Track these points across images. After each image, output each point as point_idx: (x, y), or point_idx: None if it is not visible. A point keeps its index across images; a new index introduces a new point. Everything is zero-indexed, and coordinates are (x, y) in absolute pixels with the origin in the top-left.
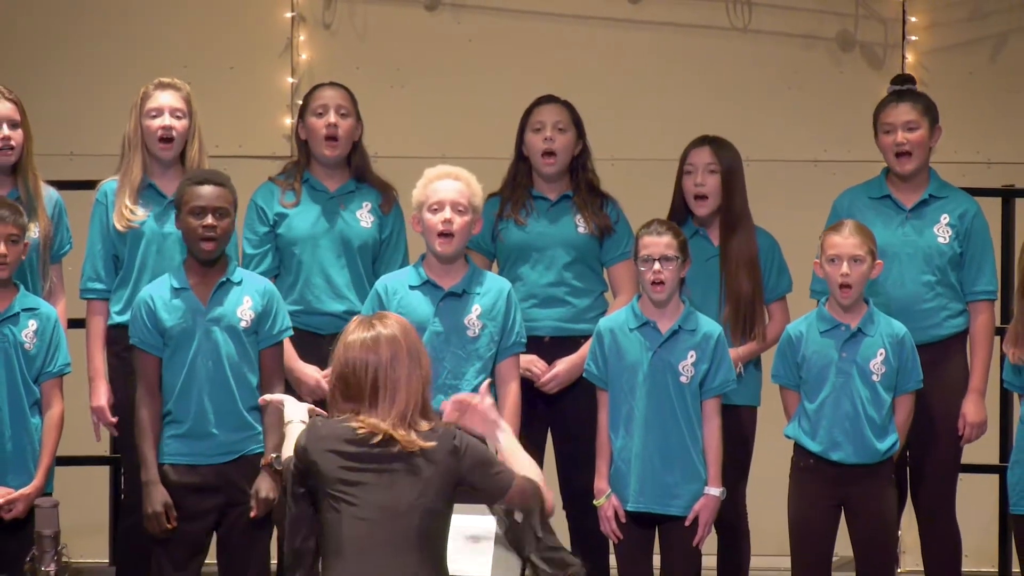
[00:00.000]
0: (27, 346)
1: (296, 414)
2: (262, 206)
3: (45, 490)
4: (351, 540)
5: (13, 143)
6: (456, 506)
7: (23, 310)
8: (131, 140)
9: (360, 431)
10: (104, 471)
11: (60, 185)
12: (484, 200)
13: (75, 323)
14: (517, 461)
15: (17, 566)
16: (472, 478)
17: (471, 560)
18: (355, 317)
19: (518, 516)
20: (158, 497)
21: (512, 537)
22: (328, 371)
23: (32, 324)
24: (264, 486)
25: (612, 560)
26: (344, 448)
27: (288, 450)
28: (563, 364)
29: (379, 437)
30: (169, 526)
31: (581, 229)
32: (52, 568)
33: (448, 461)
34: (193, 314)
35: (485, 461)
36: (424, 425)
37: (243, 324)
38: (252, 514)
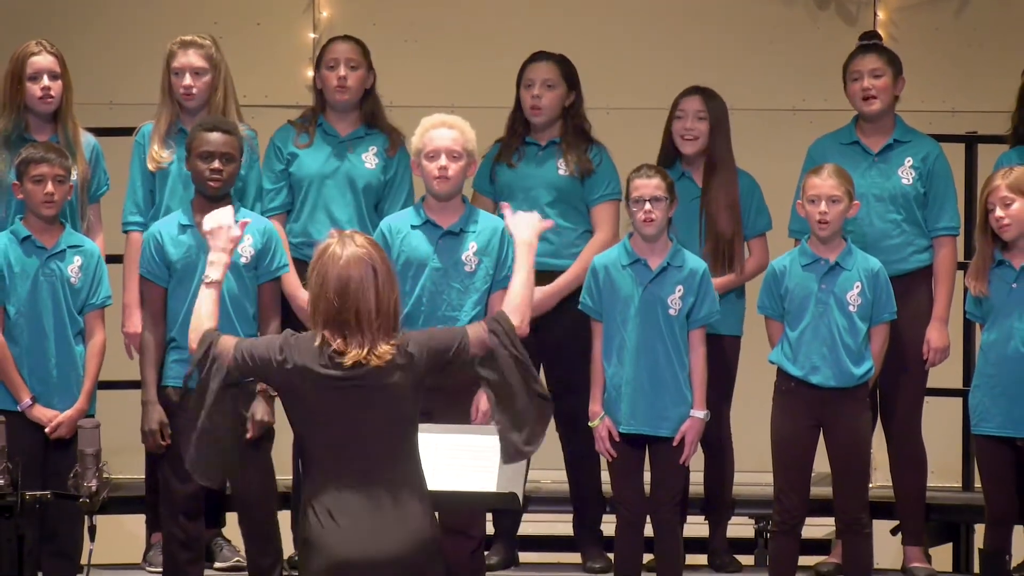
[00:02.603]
0: (72, 280)
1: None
2: (279, 146)
3: (88, 412)
4: (328, 456)
5: (53, 93)
6: (456, 427)
7: (69, 247)
8: (163, 91)
9: (336, 352)
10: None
11: (101, 132)
12: (489, 146)
13: (111, 258)
14: (513, 279)
15: (62, 482)
16: (435, 369)
17: (476, 475)
18: (329, 237)
19: (486, 360)
20: (155, 416)
21: (500, 378)
22: None
23: (77, 260)
24: (259, 410)
25: (605, 476)
26: (319, 367)
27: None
28: (538, 293)
29: (352, 358)
30: (164, 443)
31: (562, 171)
32: (94, 484)
33: (409, 369)
34: (197, 249)
35: (437, 348)
36: (388, 344)
37: (243, 260)
38: (248, 436)
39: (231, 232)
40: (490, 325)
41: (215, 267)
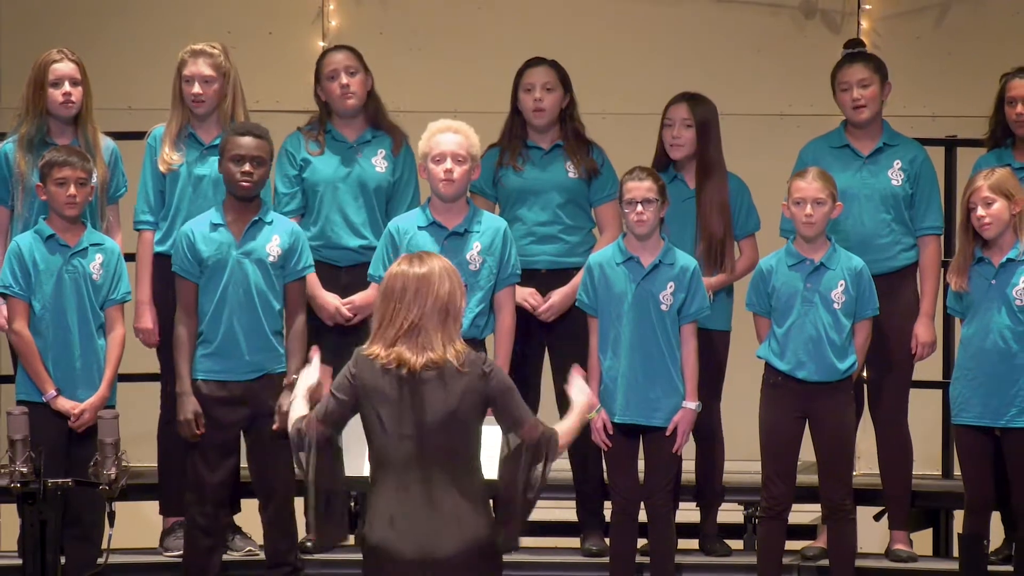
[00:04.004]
0: (94, 277)
1: (300, 388)
2: (292, 152)
3: (109, 402)
4: (396, 456)
5: (74, 98)
6: None
7: (91, 245)
8: (174, 96)
9: (383, 361)
10: (159, 386)
11: (119, 136)
12: (485, 150)
13: (129, 256)
14: (569, 421)
15: (83, 470)
16: (497, 401)
17: None
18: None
19: (525, 457)
20: (189, 406)
21: (507, 468)
22: (348, 300)
23: (98, 257)
24: (286, 401)
25: (603, 465)
26: (386, 371)
27: (292, 415)
28: (556, 295)
29: (393, 363)
30: (198, 432)
31: (572, 174)
32: (113, 471)
33: (478, 383)
34: (228, 247)
35: (511, 389)
36: (453, 351)
37: (271, 259)
38: (274, 427)
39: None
40: (545, 435)
41: (296, 410)
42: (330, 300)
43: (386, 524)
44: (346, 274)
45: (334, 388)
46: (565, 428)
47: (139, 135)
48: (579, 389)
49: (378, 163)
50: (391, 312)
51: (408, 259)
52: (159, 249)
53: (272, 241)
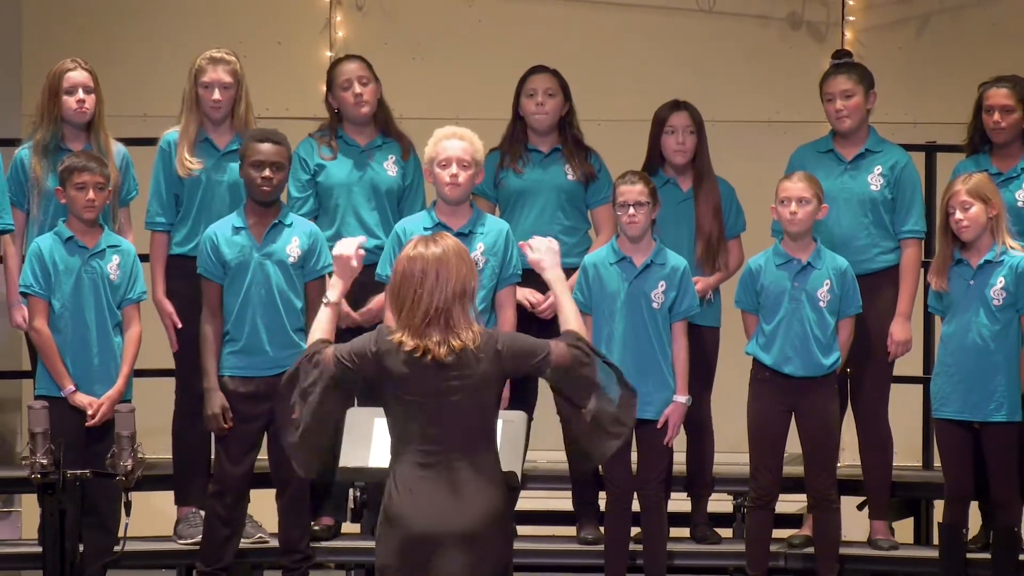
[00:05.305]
0: (111, 277)
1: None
2: (304, 158)
3: (125, 396)
4: (416, 434)
5: (87, 105)
6: None
7: (108, 247)
8: (189, 102)
9: (399, 342)
10: (173, 382)
11: (134, 142)
12: (486, 154)
13: (140, 257)
14: (563, 307)
15: (101, 461)
16: (516, 370)
17: None
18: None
19: (567, 372)
20: (217, 401)
21: (570, 386)
22: (363, 311)
23: (115, 258)
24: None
25: None
26: (409, 356)
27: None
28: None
29: (419, 351)
30: (226, 425)
31: (570, 176)
32: (129, 463)
33: (494, 364)
34: (250, 249)
35: (523, 352)
36: (471, 335)
37: (291, 260)
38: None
39: (351, 263)
40: (569, 341)
41: (333, 290)
42: (344, 304)
43: (407, 495)
44: (361, 273)
45: (354, 352)
46: (569, 321)
47: (154, 141)
48: (542, 260)
49: (389, 167)
50: (414, 297)
51: (422, 241)
52: (180, 250)
53: (292, 243)
